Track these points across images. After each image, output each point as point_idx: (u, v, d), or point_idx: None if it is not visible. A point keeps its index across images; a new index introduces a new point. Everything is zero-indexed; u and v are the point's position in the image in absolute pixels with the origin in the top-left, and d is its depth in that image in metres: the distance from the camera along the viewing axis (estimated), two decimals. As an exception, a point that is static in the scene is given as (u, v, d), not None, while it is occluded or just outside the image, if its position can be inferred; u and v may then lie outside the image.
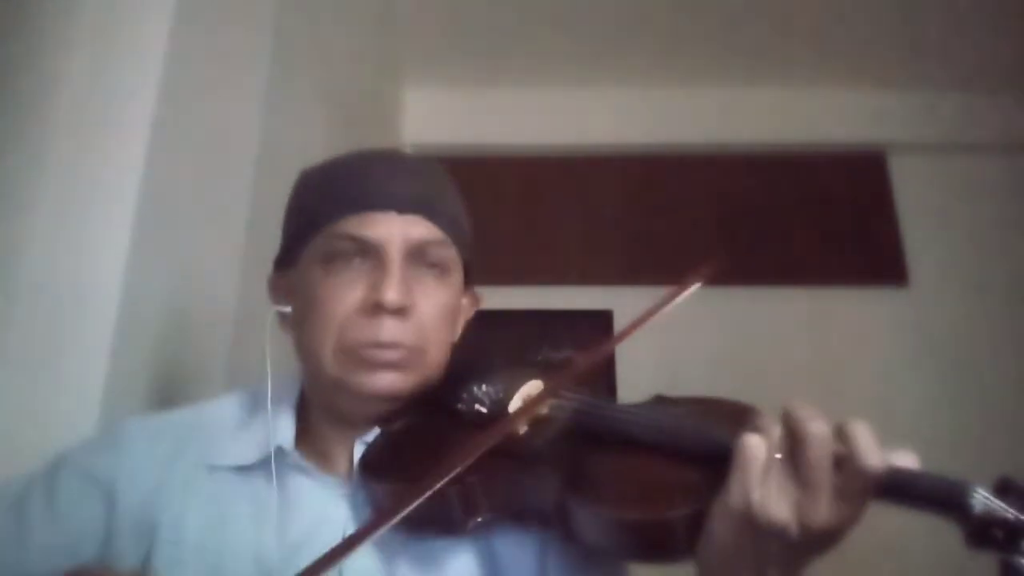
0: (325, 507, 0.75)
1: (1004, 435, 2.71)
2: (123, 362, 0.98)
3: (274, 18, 1.62)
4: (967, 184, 3.25)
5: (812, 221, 3.23)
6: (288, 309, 0.81)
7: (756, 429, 0.57)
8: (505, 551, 0.73)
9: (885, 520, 0.60)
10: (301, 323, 0.78)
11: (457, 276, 0.82)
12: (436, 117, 3.30)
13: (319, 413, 0.80)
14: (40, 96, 1.03)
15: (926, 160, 3.28)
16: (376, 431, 0.77)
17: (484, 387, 0.76)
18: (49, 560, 0.72)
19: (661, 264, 3.16)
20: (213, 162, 1.34)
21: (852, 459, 0.54)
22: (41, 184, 1.00)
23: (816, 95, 3.30)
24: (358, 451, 0.76)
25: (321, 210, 0.77)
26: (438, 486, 0.60)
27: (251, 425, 0.80)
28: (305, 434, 0.80)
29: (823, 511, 0.54)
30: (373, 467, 0.73)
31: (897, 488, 0.54)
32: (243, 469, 0.77)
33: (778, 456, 0.56)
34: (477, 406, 0.75)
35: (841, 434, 0.55)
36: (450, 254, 0.80)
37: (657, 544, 0.61)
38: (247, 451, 0.78)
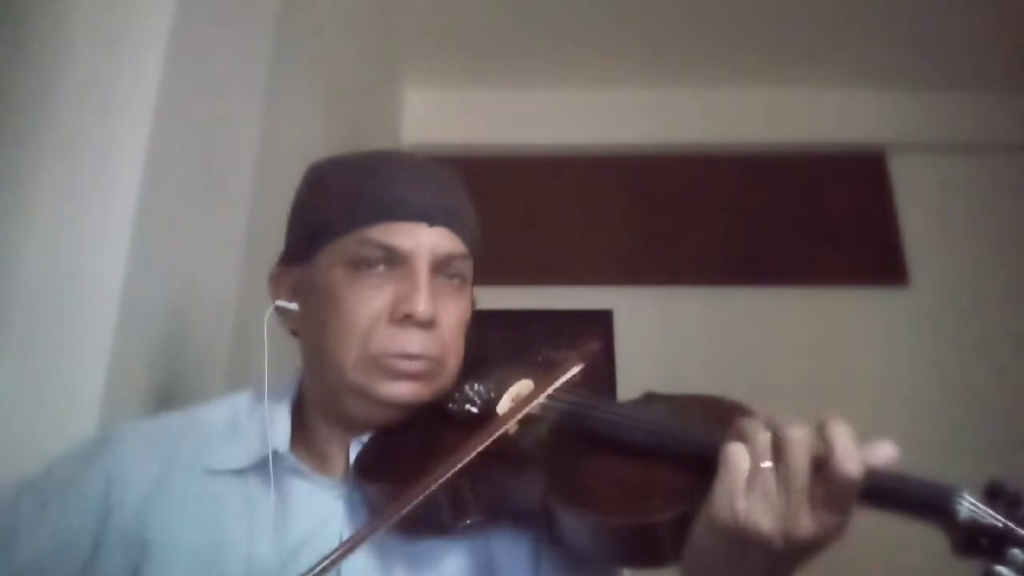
0: (322, 509, 0.74)
1: (1003, 436, 2.71)
2: (123, 362, 0.98)
3: (274, 18, 1.62)
4: (967, 184, 3.25)
5: (812, 221, 3.23)
6: (294, 306, 0.80)
7: (741, 437, 0.57)
8: (501, 551, 0.73)
9: (874, 527, 0.60)
10: (319, 325, 0.77)
11: (470, 286, 0.82)
12: (436, 117, 3.30)
13: (318, 414, 0.80)
14: (40, 96, 1.03)
15: (926, 160, 3.28)
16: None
17: (476, 386, 0.76)
18: (40, 568, 0.72)
19: (661, 264, 3.17)
20: (213, 162, 1.33)
21: (830, 463, 0.53)
22: (41, 184, 1.00)
23: (816, 95, 3.30)
24: (354, 452, 0.76)
25: (348, 213, 0.76)
26: (431, 489, 0.60)
27: (246, 427, 0.79)
28: (301, 435, 0.80)
29: (805, 521, 0.53)
30: (367, 468, 0.73)
31: (880, 493, 0.53)
32: (239, 472, 0.77)
33: (763, 464, 0.55)
34: (467, 405, 0.75)
35: (822, 434, 0.55)
36: (468, 266, 0.80)
37: (642, 549, 0.60)
38: (242, 454, 0.77)
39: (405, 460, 0.72)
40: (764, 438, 0.56)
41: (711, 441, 0.58)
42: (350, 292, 0.75)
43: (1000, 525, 0.48)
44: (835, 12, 2.89)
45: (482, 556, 0.73)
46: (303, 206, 0.82)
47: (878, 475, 0.53)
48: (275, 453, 0.76)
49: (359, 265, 0.75)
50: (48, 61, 1.04)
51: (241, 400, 0.84)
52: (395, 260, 0.75)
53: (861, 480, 0.52)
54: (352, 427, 0.77)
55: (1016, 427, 2.74)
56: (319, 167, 0.84)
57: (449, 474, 0.62)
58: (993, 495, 0.50)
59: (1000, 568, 0.47)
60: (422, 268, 0.74)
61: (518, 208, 3.21)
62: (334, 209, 0.77)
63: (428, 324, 0.74)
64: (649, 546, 0.60)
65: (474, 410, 0.75)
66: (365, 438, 0.77)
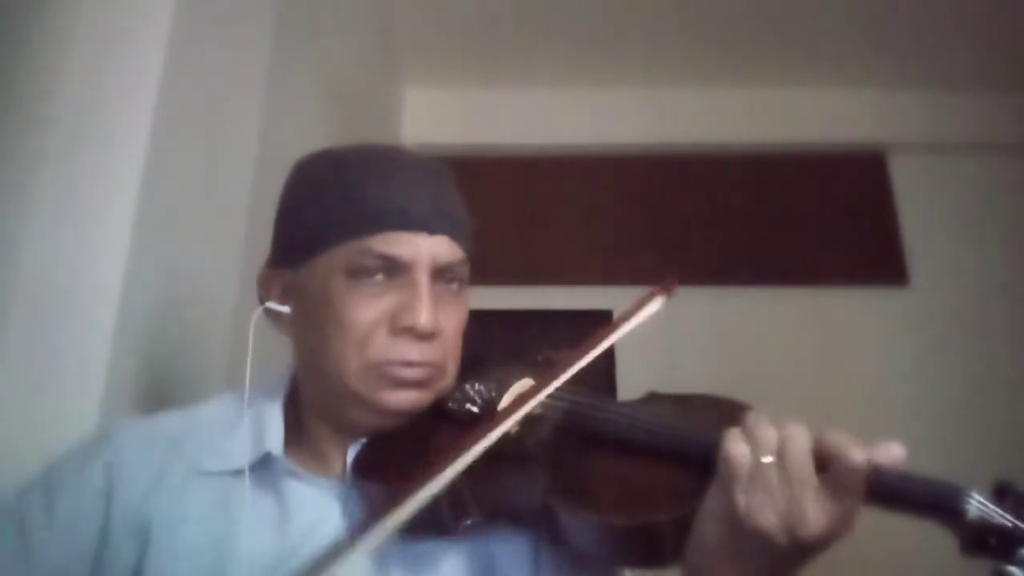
0: (319, 510, 0.74)
1: (1004, 435, 2.71)
2: (122, 362, 0.98)
3: (274, 18, 1.62)
4: (967, 184, 3.24)
5: (812, 221, 3.23)
6: (285, 309, 0.80)
7: (741, 432, 0.57)
8: (501, 552, 0.73)
9: (880, 527, 0.60)
10: (316, 331, 0.76)
11: (466, 288, 0.81)
12: (436, 117, 3.30)
13: (315, 416, 0.80)
14: (40, 96, 1.03)
15: (926, 160, 3.28)
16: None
17: (476, 386, 0.76)
18: (55, 572, 0.72)
19: (661, 264, 3.16)
20: (213, 161, 1.33)
21: (837, 458, 0.53)
22: (41, 184, 1.00)
23: (816, 95, 3.30)
24: (352, 452, 0.75)
25: (346, 222, 0.74)
26: (433, 491, 0.59)
27: (240, 429, 0.79)
28: (296, 435, 0.79)
29: (810, 517, 0.53)
30: (366, 468, 0.73)
31: (888, 491, 0.53)
32: (236, 473, 0.76)
33: (765, 460, 0.55)
34: (468, 405, 0.75)
35: (820, 440, 0.55)
36: (466, 270, 0.80)
37: (643, 549, 0.60)
38: (237, 456, 0.77)
39: (404, 460, 0.72)
40: (764, 433, 0.56)
41: (712, 441, 0.58)
42: (349, 300, 0.74)
43: (1010, 524, 0.48)
44: (835, 12, 2.89)
45: (481, 557, 0.72)
46: (296, 208, 0.80)
47: (887, 474, 0.53)
48: (269, 455, 0.76)
49: (358, 274, 0.74)
50: (48, 61, 1.04)
51: (237, 399, 0.83)
52: (395, 270, 0.74)
53: (867, 468, 0.53)
54: (352, 432, 0.77)
55: (1016, 427, 2.74)
56: (311, 165, 0.82)
57: (450, 474, 0.61)
58: (1001, 494, 0.50)
59: (1010, 567, 0.47)
60: (423, 279, 0.74)
61: (518, 208, 3.21)
62: (331, 216, 0.75)
63: (430, 336, 0.74)
64: (650, 546, 0.60)
65: (475, 409, 0.75)
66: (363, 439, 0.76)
